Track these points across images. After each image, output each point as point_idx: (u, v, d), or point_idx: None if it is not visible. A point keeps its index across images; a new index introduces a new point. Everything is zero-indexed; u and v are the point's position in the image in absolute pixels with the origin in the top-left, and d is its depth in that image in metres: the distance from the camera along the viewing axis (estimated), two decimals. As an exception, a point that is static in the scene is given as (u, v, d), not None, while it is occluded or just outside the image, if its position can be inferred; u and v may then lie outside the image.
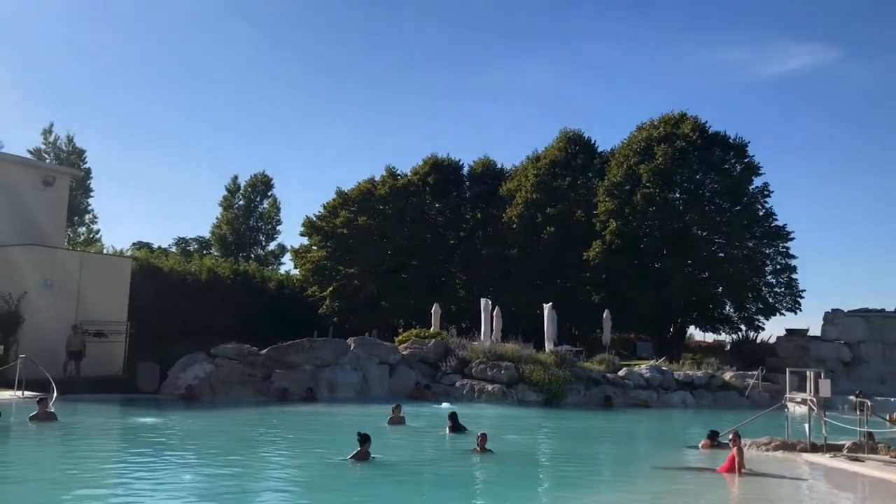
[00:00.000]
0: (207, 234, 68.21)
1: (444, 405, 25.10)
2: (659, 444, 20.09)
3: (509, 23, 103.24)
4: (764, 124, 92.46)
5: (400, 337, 34.12)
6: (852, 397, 29.07)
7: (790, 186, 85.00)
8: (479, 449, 15.32)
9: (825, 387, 16.81)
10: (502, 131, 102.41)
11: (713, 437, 17.76)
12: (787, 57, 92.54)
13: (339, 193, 50.76)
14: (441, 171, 50.46)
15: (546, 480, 14.30)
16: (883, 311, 37.62)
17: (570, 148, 48.25)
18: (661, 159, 41.65)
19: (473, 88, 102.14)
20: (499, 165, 52.63)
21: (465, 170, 52.19)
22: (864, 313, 37.77)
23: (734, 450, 14.23)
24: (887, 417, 23.84)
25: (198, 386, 26.12)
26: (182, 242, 67.79)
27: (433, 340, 31.64)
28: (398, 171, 51.72)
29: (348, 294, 47.89)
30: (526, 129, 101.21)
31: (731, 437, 15.17)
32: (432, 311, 37.13)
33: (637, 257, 42.21)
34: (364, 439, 13.71)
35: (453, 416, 18.87)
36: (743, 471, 13.87)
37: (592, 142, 49.22)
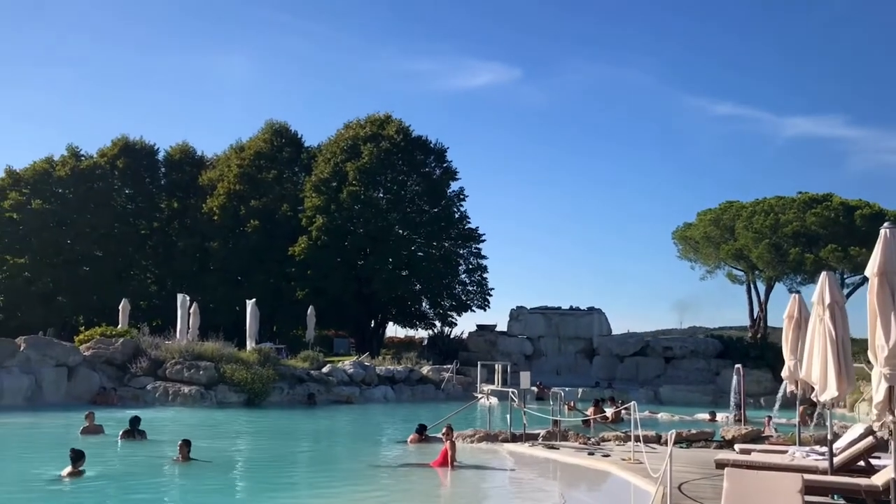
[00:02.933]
0: None
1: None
2: (368, 441, 19.96)
3: (210, 8, 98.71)
4: (456, 133, 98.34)
5: (81, 336, 30.53)
6: (534, 388, 31.76)
7: (480, 192, 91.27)
8: (181, 458, 13.90)
9: (525, 379, 17.80)
10: (203, 118, 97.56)
11: (421, 431, 17.97)
12: (474, 73, 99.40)
13: (10, 173, 44.58)
14: (133, 155, 46.47)
15: (258, 487, 13.34)
16: (559, 308, 41.59)
17: (277, 140, 47.08)
18: (367, 158, 42.12)
19: (170, 71, 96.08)
20: (199, 153, 49.85)
21: (161, 155, 48.63)
22: (543, 310, 41.47)
23: (447, 443, 14.40)
24: (566, 406, 26.24)
25: None
26: None
27: (121, 340, 28.71)
28: (82, 152, 46.67)
29: (17, 287, 42.17)
30: (228, 117, 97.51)
31: (444, 431, 15.37)
32: (120, 307, 33.88)
33: (342, 254, 42.27)
34: (78, 456, 12.18)
35: (134, 421, 17.19)
36: (455, 464, 14.08)
37: (299, 136, 48.51)
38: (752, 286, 40.47)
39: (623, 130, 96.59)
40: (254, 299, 32.79)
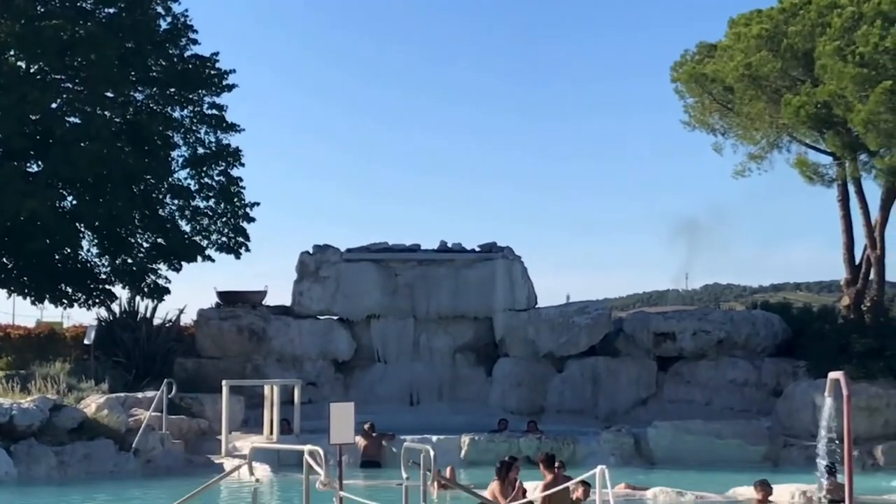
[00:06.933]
0: None
1: None
2: None
3: None
4: None
5: None
6: (359, 440, 16.31)
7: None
8: None
9: (342, 417, 16.02)
10: None
11: None
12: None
13: None
14: None
15: None
16: (418, 248, 18.24)
17: None
18: None
19: None
20: None
21: None
22: (380, 251, 18.51)
23: None
24: (435, 483, 12.93)
25: None
26: None
27: None
28: None
29: None
30: None
31: None
32: None
33: None
34: None
35: None
36: None
37: None
38: (846, 187, 18.87)
39: None
40: None
